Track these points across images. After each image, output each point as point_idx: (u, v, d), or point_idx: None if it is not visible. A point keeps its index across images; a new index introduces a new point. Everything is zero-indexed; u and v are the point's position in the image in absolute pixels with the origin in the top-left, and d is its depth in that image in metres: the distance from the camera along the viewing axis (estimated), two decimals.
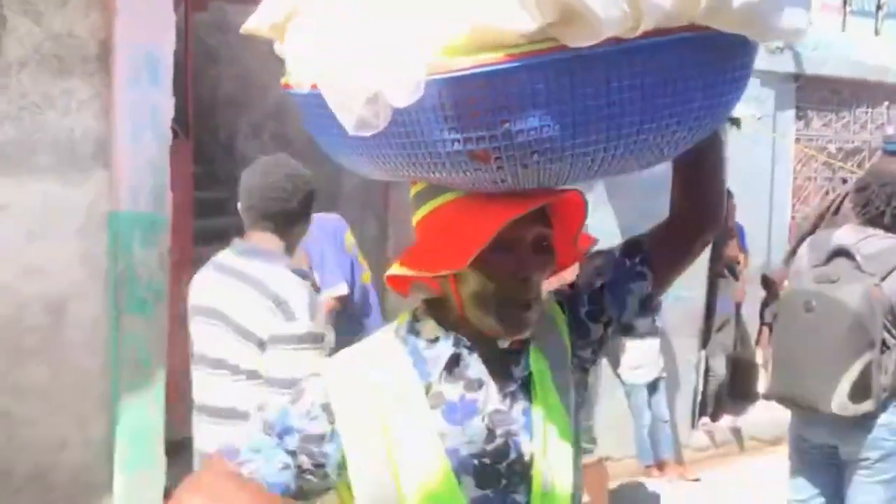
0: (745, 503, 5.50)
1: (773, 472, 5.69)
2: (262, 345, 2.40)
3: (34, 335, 3.85)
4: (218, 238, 7.56)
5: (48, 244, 3.84)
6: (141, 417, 4.03)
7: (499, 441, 1.28)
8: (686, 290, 5.93)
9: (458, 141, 1.13)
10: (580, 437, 1.42)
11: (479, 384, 1.30)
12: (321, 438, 1.24)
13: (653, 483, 5.82)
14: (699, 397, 6.51)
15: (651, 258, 1.45)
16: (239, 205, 2.66)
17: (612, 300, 1.44)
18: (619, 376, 5.76)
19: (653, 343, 5.63)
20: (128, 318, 3.97)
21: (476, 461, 1.27)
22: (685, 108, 1.16)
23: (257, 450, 1.24)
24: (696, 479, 5.97)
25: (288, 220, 2.61)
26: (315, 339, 2.41)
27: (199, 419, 2.63)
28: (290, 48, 1.22)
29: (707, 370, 6.54)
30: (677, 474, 5.93)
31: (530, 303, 1.28)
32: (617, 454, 5.91)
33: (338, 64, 1.12)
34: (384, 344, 1.35)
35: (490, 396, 1.30)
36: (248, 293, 2.48)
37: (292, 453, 1.24)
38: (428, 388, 1.28)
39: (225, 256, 2.64)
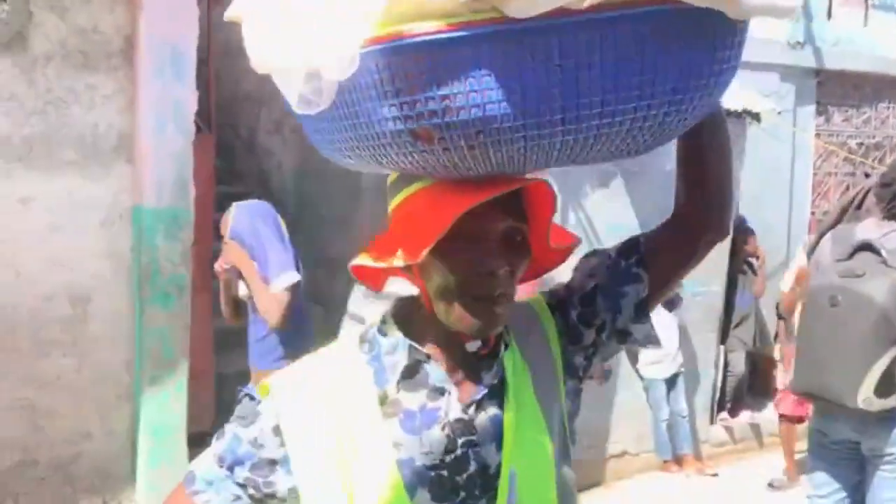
0: (763, 499, 5.49)
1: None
2: None
3: (58, 327, 3.90)
4: None
5: (72, 237, 3.88)
6: (163, 410, 4.07)
7: (459, 452, 1.20)
8: (705, 285, 5.93)
9: (399, 119, 1.05)
10: (570, 448, 1.33)
11: (442, 392, 1.22)
12: (273, 464, 1.22)
13: (670, 478, 5.83)
14: (718, 393, 6.51)
15: (648, 259, 1.34)
16: None
17: (605, 303, 1.34)
18: (637, 371, 5.77)
19: (672, 338, 5.63)
20: (151, 311, 4.01)
21: (433, 473, 1.19)
22: (656, 89, 1.04)
23: (210, 482, 1.24)
24: (714, 475, 5.97)
25: None
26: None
27: None
28: (245, 33, 1.16)
29: (726, 366, 6.53)
30: (695, 469, 5.93)
31: (495, 299, 1.17)
32: (634, 449, 5.92)
33: (277, 42, 1.06)
34: (343, 349, 1.29)
35: (452, 404, 1.21)
36: None
37: (242, 486, 1.23)
38: (384, 397, 1.22)
39: None
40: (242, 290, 3.79)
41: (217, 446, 1.26)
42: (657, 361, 5.67)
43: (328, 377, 1.24)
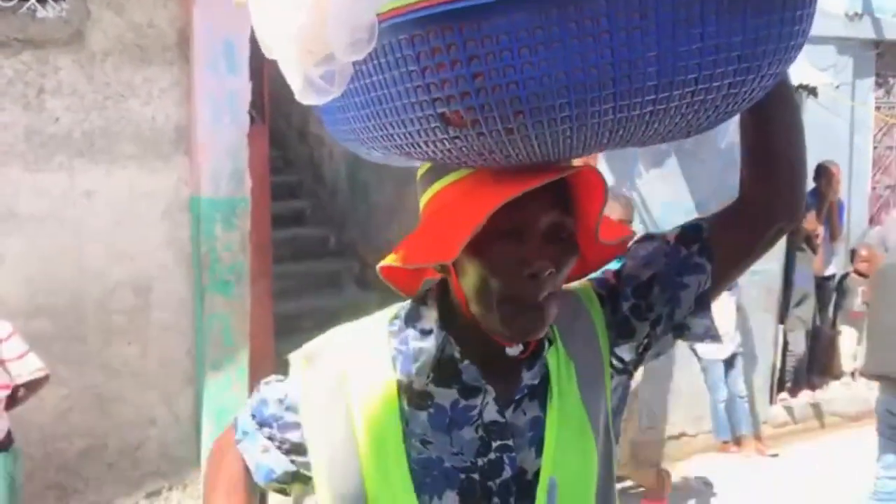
0: (826, 479, 5.41)
1: (854, 449, 5.59)
2: None
3: (123, 316, 4.01)
4: (292, 220, 7.71)
5: (134, 229, 3.98)
6: (225, 395, 4.16)
7: (492, 456, 1.11)
8: (763, 263, 5.83)
9: (427, 102, 0.93)
10: (613, 450, 1.21)
11: (477, 390, 1.12)
12: (296, 426, 1.18)
13: (729, 458, 5.78)
14: (777, 373, 6.43)
15: (711, 248, 1.21)
16: None
17: (662, 295, 1.21)
18: (694, 352, 5.72)
19: (729, 318, 5.57)
20: (211, 298, 4.10)
21: (463, 476, 1.10)
22: (720, 57, 0.91)
23: (245, 432, 1.25)
24: (775, 455, 5.90)
25: None
26: None
27: None
28: (251, 11, 1.03)
29: (786, 345, 6.44)
30: (755, 450, 5.87)
31: (539, 304, 1.06)
32: (692, 430, 5.89)
33: (282, 19, 0.94)
34: (371, 326, 1.19)
35: (489, 404, 1.12)
36: None
37: (269, 439, 1.22)
38: (407, 387, 1.12)
39: None
40: None
41: (252, 400, 1.25)
42: None
43: (348, 356, 1.16)
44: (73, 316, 3.91)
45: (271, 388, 1.23)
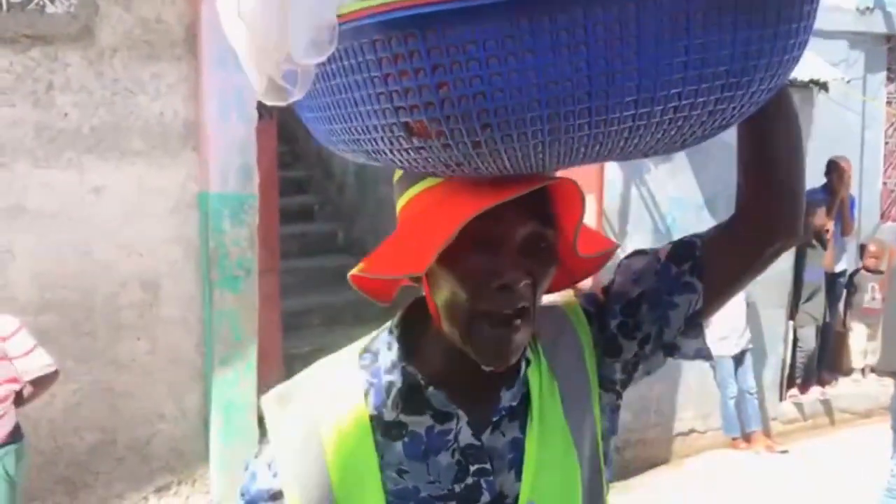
0: (835, 476, 5.40)
1: (864, 445, 5.57)
2: None
3: (131, 312, 4.02)
4: (301, 216, 7.71)
5: (143, 225, 3.99)
6: (234, 390, 4.17)
7: (469, 481, 1.06)
8: None
9: (389, 110, 0.88)
10: (603, 473, 1.16)
11: (450, 415, 1.07)
12: (279, 496, 1.10)
13: (739, 455, 5.77)
14: (787, 369, 6.41)
15: (704, 267, 1.15)
16: None
17: (651, 314, 1.16)
18: None
19: (739, 315, 5.55)
20: (219, 294, 4.10)
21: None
22: (706, 72, 0.85)
23: None
24: (784, 452, 5.88)
25: None
26: None
27: None
28: (219, 8, 0.99)
29: (795, 342, 6.42)
30: (764, 446, 5.85)
31: (510, 321, 1.01)
32: (702, 426, 5.87)
33: (242, 17, 0.90)
34: (340, 363, 1.15)
35: (464, 428, 1.07)
36: None
37: None
38: (379, 419, 1.08)
39: None
40: None
41: (244, 480, 1.16)
42: (724, 338, 5.60)
43: (319, 394, 1.11)
44: (82, 311, 3.92)
45: (259, 458, 1.12)
